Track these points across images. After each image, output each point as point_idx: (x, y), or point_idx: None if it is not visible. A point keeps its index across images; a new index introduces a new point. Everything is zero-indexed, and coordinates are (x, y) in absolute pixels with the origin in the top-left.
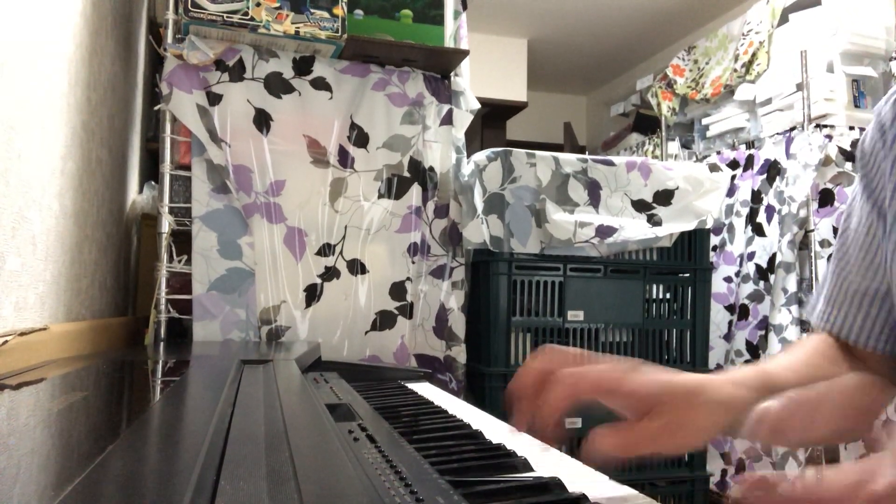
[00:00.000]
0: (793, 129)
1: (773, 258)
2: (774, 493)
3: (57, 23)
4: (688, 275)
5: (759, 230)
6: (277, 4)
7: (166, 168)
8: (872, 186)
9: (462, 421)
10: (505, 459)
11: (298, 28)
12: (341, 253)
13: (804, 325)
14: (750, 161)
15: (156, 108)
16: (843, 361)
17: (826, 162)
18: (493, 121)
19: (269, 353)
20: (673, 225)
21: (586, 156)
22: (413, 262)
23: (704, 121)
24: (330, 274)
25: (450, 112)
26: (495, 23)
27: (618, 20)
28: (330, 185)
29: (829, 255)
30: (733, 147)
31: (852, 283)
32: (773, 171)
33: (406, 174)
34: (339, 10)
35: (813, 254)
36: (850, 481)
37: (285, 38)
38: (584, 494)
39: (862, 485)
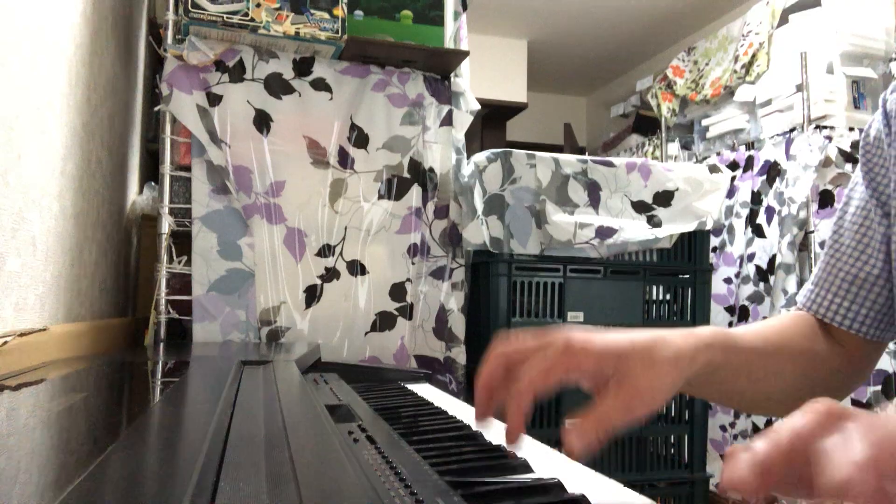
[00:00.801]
0: (793, 130)
1: (773, 259)
2: (751, 461)
3: (57, 23)
4: (688, 276)
5: (759, 231)
6: (277, 5)
7: (166, 169)
8: (874, 173)
9: (462, 422)
10: (505, 460)
11: (298, 29)
12: (341, 254)
13: None
14: (750, 162)
15: (156, 108)
16: (817, 338)
17: (826, 163)
18: (493, 122)
19: (269, 354)
20: (673, 226)
21: (586, 157)
22: (413, 263)
23: (704, 122)
24: (330, 275)
25: (450, 113)
26: (495, 24)
27: (618, 21)
28: (330, 186)
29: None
30: (733, 148)
31: (843, 267)
32: (772, 172)
33: (406, 175)
34: (339, 11)
35: (813, 255)
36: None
37: (285, 38)
38: (583, 496)
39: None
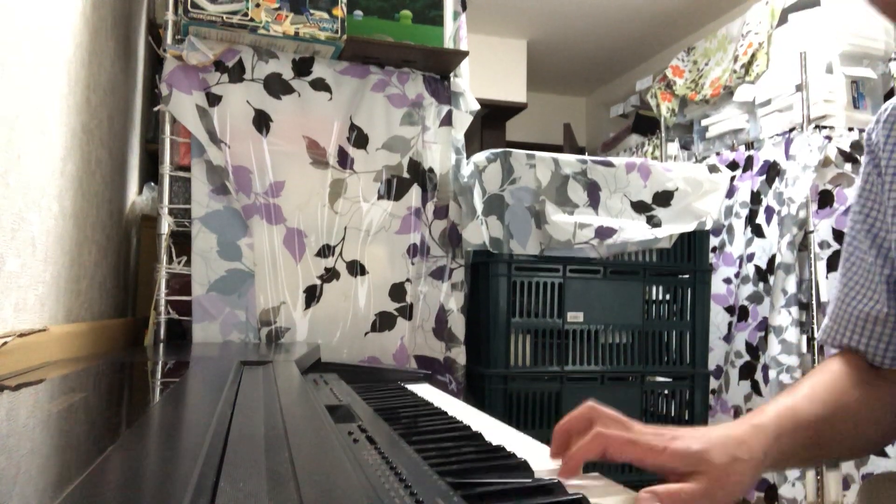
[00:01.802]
0: (792, 130)
1: (772, 259)
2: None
3: (57, 24)
4: (687, 276)
5: (758, 231)
6: (277, 5)
7: (166, 169)
8: (868, 214)
9: (462, 422)
10: (505, 461)
11: (298, 29)
12: (341, 254)
13: (804, 327)
14: (749, 162)
15: (155, 109)
16: (862, 380)
17: (825, 163)
18: (492, 122)
19: (269, 355)
20: (672, 226)
21: (586, 157)
22: (413, 264)
23: (704, 122)
24: (329, 275)
25: (449, 113)
26: (495, 24)
27: (617, 21)
28: (329, 186)
29: (829, 257)
30: (733, 148)
31: (860, 308)
32: (772, 172)
33: (405, 175)
34: (339, 11)
35: (812, 255)
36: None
37: (285, 38)
38: (583, 496)
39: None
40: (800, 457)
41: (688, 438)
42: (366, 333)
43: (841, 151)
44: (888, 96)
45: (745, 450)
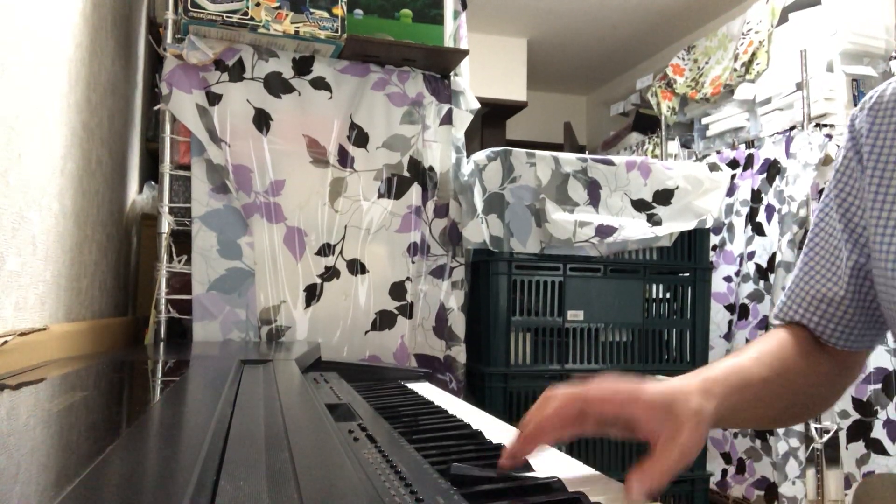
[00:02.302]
0: (792, 128)
1: (773, 257)
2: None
3: (57, 23)
4: (688, 274)
5: (759, 230)
6: (277, 4)
7: (166, 168)
8: (844, 199)
9: (462, 421)
10: None
11: (298, 28)
12: (341, 253)
13: None
14: (750, 160)
15: (155, 108)
16: (805, 351)
17: (826, 161)
18: (492, 120)
19: (269, 353)
20: (673, 224)
21: (586, 155)
22: (413, 262)
23: (704, 120)
24: (330, 274)
25: (449, 112)
26: (495, 22)
27: (618, 20)
28: (330, 185)
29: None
30: (733, 146)
31: (814, 284)
32: (772, 170)
33: (406, 174)
34: (339, 10)
35: None
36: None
37: (285, 37)
38: (583, 493)
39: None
40: (745, 416)
41: (650, 390)
42: (366, 332)
43: None
44: None
45: (698, 402)
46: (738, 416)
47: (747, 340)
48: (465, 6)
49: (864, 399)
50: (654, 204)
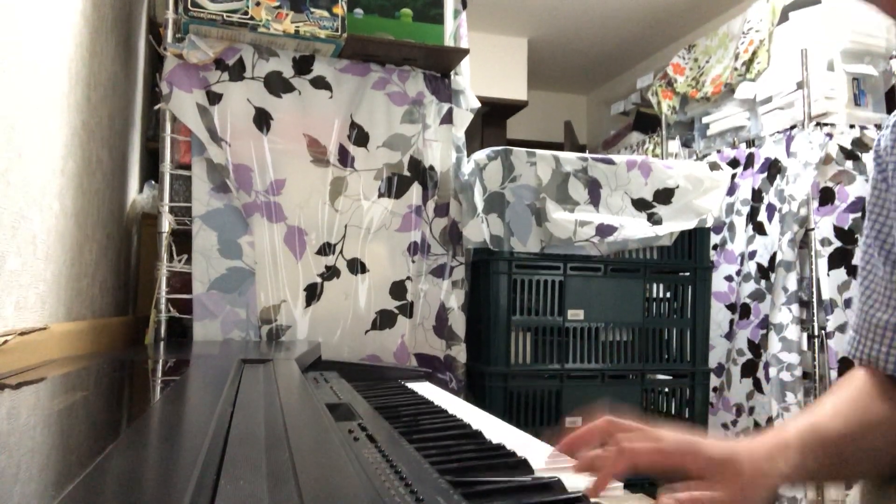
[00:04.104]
0: (793, 127)
1: (774, 257)
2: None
3: (57, 23)
4: (688, 274)
5: (759, 229)
6: (277, 3)
7: (166, 167)
8: (880, 230)
9: (462, 420)
10: (505, 459)
11: (298, 27)
12: (341, 252)
13: (804, 325)
14: (750, 159)
15: (156, 107)
16: (885, 395)
17: (826, 160)
18: (493, 120)
19: (270, 353)
20: (673, 224)
21: (586, 154)
22: (413, 262)
23: (705, 119)
24: (330, 273)
25: (450, 111)
26: (495, 22)
27: (618, 19)
28: (330, 185)
29: (830, 254)
30: (734, 145)
31: (878, 316)
32: (773, 169)
33: (406, 173)
34: (339, 9)
35: (813, 253)
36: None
37: (285, 37)
38: (584, 494)
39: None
40: (825, 474)
41: (715, 445)
42: (366, 331)
43: (842, 149)
44: (889, 93)
45: (770, 464)
46: (814, 477)
47: (749, 340)
48: (465, 5)
49: None
50: (655, 203)
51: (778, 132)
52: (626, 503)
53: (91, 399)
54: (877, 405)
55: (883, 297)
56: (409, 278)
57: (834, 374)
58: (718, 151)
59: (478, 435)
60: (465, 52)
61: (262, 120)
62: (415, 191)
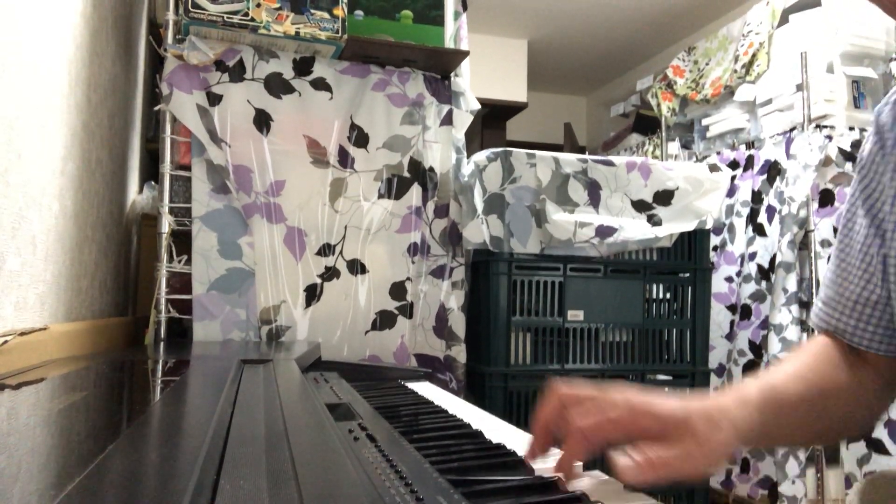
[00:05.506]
0: (793, 129)
1: (774, 258)
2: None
3: (57, 23)
4: (688, 275)
5: (759, 230)
6: (277, 5)
7: (166, 168)
8: (870, 189)
9: (462, 420)
10: (505, 459)
11: (298, 29)
12: (341, 253)
13: (804, 326)
14: (750, 161)
15: (156, 108)
16: (847, 363)
17: (826, 162)
18: (493, 121)
19: (269, 353)
20: (673, 225)
21: (586, 156)
22: (413, 262)
23: (704, 121)
24: (330, 274)
25: (450, 112)
26: (495, 23)
27: (618, 21)
28: (330, 186)
29: (830, 256)
30: (733, 147)
31: (851, 289)
32: (773, 171)
33: (406, 174)
34: (340, 11)
35: (813, 254)
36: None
37: (285, 38)
38: (584, 494)
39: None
40: (780, 435)
41: (668, 405)
42: (366, 332)
43: (842, 151)
44: None
45: (726, 420)
46: (771, 437)
47: (750, 341)
48: (465, 7)
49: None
50: (655, 204)
51: (777, 134)
52: (627, 503)
53: (91, 399)
54: (837, 373)
55: (858, 269)
56: (408, 279)
57: None
58: (718, 153)
59: (478, 435)
60: (466, 53)
61: (262, 121)
62: (415, 192)
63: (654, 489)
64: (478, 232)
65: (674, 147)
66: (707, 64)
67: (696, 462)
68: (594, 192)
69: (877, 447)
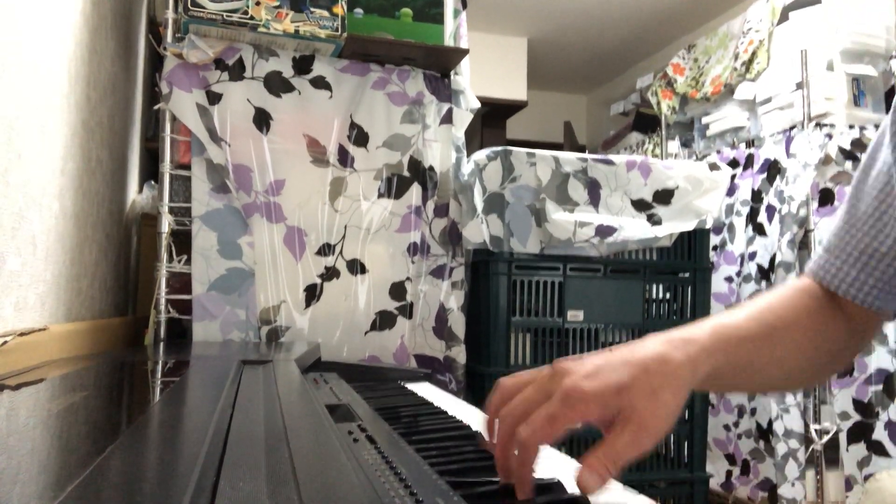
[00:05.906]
0: (793, 127)
1: (774, 258)
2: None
3: (57, 22)
4: (688, 274)
5: (759, 230)
6: (277, 3)
7: (166, 168)
8: None
9: (462, 422)
10: None
11: (298, 27)
12: (341, 253)
13: None
14: (750, 160)
15: (155, 107)
16: (821, 310)
17: (826, 161)
18: (492, 120)
19: (269, 354)
20: (673, 224)
21: (586, 155)
22: (413, 262)
23: (704, 119)
24: (330, 274)
25: (450, 111)
26: (495, 21)
27: (618, 19)
28: (330, 185)
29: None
30: (733, 146)
31: (858, 236)
32: (773, 170)
33: (406, 173)
34: (339, 9)
35: (813, 253)
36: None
37: (285, 37)
38: (584, 495)
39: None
40: (732, 381)
41: (606, 371)
42: (366, 332)
43: (841, 149)
44: (889, 94)
45: (669, 370)
46: (724, 381)
47: None
48: (465, 5)
49: (865, 400)
50: (654, 204)
51: (777, 133)
52: (626, 503)
53: (91, 400)
54: (804, 317)
55: (871, 217)
56: (408, 279)
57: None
58: (718, 152)
59: (478, 436)
60: (465, 51)
61: (262, 120)
62: (414, 191)
63: (654, 490)
64: (477, 231)
65: (674, 146)
66: (707, 62)
67: (642, 440)
68: (594, 192)
69: (877, 449)
